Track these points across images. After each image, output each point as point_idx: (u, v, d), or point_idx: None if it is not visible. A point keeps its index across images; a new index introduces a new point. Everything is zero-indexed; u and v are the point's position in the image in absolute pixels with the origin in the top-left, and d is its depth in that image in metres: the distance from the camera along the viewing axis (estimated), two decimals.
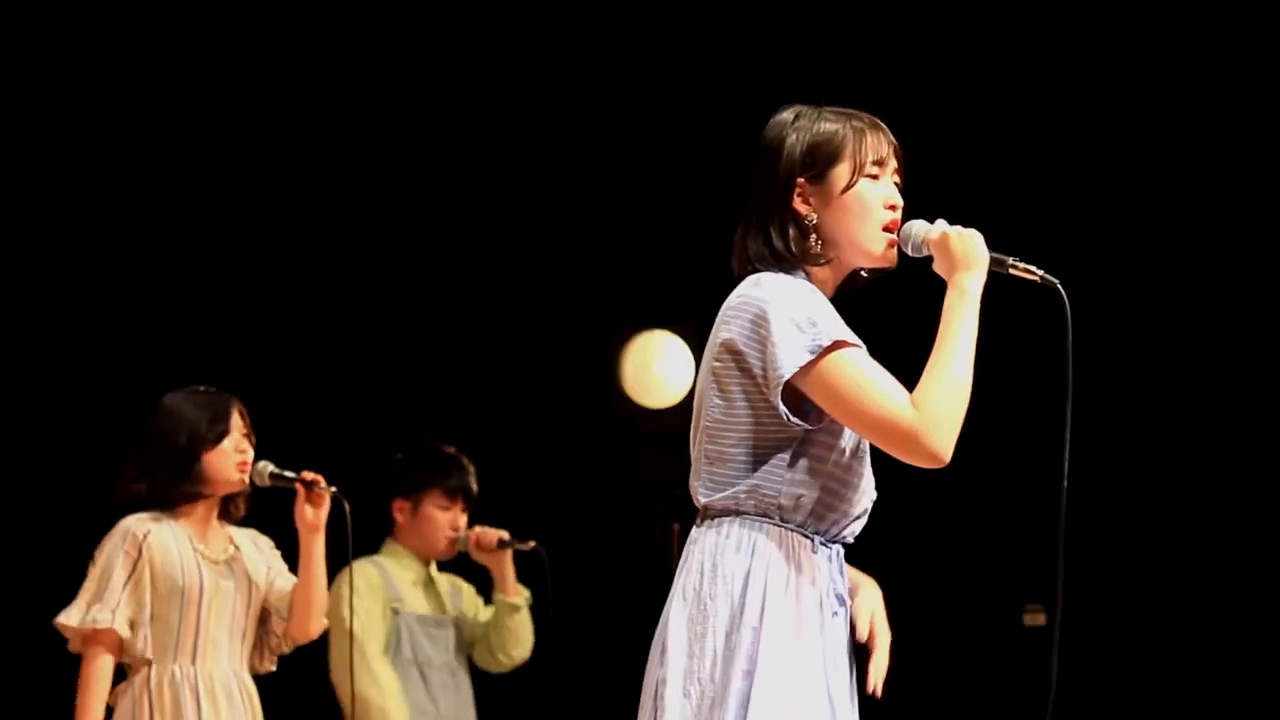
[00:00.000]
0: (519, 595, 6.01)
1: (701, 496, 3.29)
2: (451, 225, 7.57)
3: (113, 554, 4.79)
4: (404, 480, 6.02)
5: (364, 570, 5.84)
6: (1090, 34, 7.22)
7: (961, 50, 7.28)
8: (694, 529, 3.31)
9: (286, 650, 5.05)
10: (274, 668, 5.05)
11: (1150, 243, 7.27)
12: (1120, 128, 7.26)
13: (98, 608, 4.76)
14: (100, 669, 4.78)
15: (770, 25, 7.34)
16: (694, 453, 3.32)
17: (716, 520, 3.27)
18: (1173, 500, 7.28)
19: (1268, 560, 7.21)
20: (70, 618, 4.78)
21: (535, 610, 6.05)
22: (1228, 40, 7.15)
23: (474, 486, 6.03)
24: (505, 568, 5.99)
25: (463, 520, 6.00)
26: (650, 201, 7.36)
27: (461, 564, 6.15)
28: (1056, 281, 3.29)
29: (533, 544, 5.96)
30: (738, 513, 3.25)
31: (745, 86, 7.00)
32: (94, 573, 4.80)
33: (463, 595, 6.12)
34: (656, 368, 6.92)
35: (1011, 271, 3.32)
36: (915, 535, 6.90)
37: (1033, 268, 3.32)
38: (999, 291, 3.34)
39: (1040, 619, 7.19)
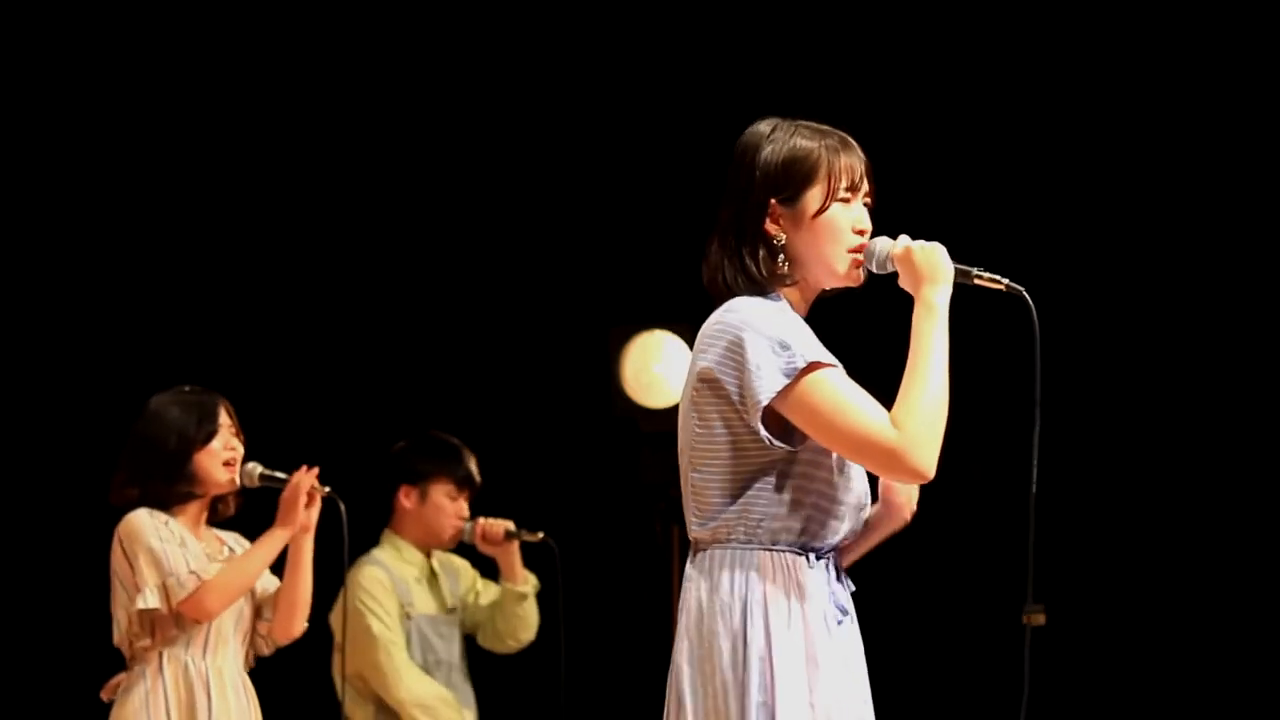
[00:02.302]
0: (526, 584, 6.01)
1: (693, 530, 3.28)
2: (451, 224, 7.57)
3: (149, 538, 4.75)
4: (411, 468, 6.00)
5: (372, 574, 5.82)
6: (1047, 49, 7.25)
7: (926, 63, 7.30)
8: (688, 565, 3.30)
9: (267, 652, 5.01)
10: (253, 664, 5.01)
11: (1135, 238, 7.28)
12: (1084, 135, 7.27)
13: (170, 577, 4.71)
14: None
15: (772, 29, 7.33)
16: (683, 484, 3.31)
17: (707, 553, 3.25)
18: (1164, 501, 7.27)
19: (1260, 561, 7.20)
20: (148, 602, 4.71)
21: (546, 602, 6.04)
22: (1186, 60, 7.18)
23: (478, 477, 6.03)
24: (512, 558, 5.98)
25: (466, 510, 5.99)
26: (650, 201, 7.36)
27: (465, 553, 6.14)
28: (1023, 289, 3.29)
29: (541, 535, 5.96)
30: (727, 542, 3.23)
31: (743, 88, 7.00)
32: (143, 561, 4.73)
33: (460, 579, 6.09)
34: (656, 368, 6.91)
35: (976, 282, 3.32)
36: (915, 534, 6.88)
37: (998, 277, 3.32)
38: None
39: (1041, 619, 7.15)
